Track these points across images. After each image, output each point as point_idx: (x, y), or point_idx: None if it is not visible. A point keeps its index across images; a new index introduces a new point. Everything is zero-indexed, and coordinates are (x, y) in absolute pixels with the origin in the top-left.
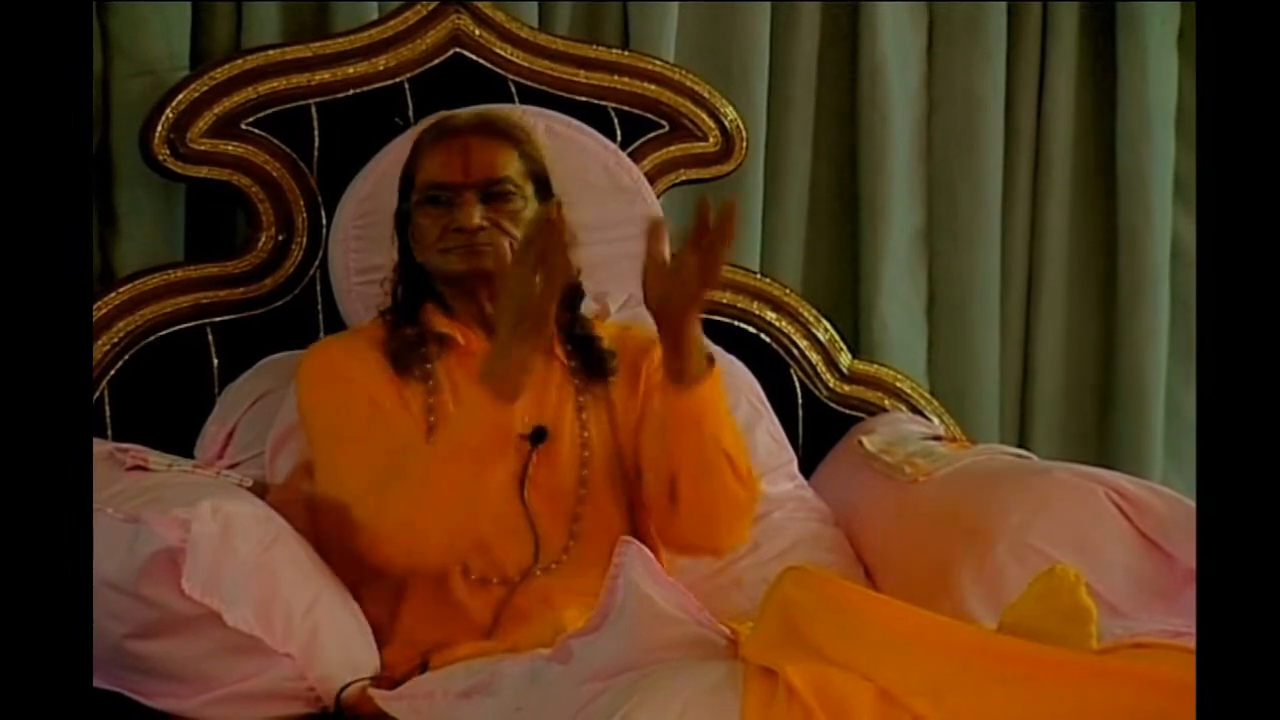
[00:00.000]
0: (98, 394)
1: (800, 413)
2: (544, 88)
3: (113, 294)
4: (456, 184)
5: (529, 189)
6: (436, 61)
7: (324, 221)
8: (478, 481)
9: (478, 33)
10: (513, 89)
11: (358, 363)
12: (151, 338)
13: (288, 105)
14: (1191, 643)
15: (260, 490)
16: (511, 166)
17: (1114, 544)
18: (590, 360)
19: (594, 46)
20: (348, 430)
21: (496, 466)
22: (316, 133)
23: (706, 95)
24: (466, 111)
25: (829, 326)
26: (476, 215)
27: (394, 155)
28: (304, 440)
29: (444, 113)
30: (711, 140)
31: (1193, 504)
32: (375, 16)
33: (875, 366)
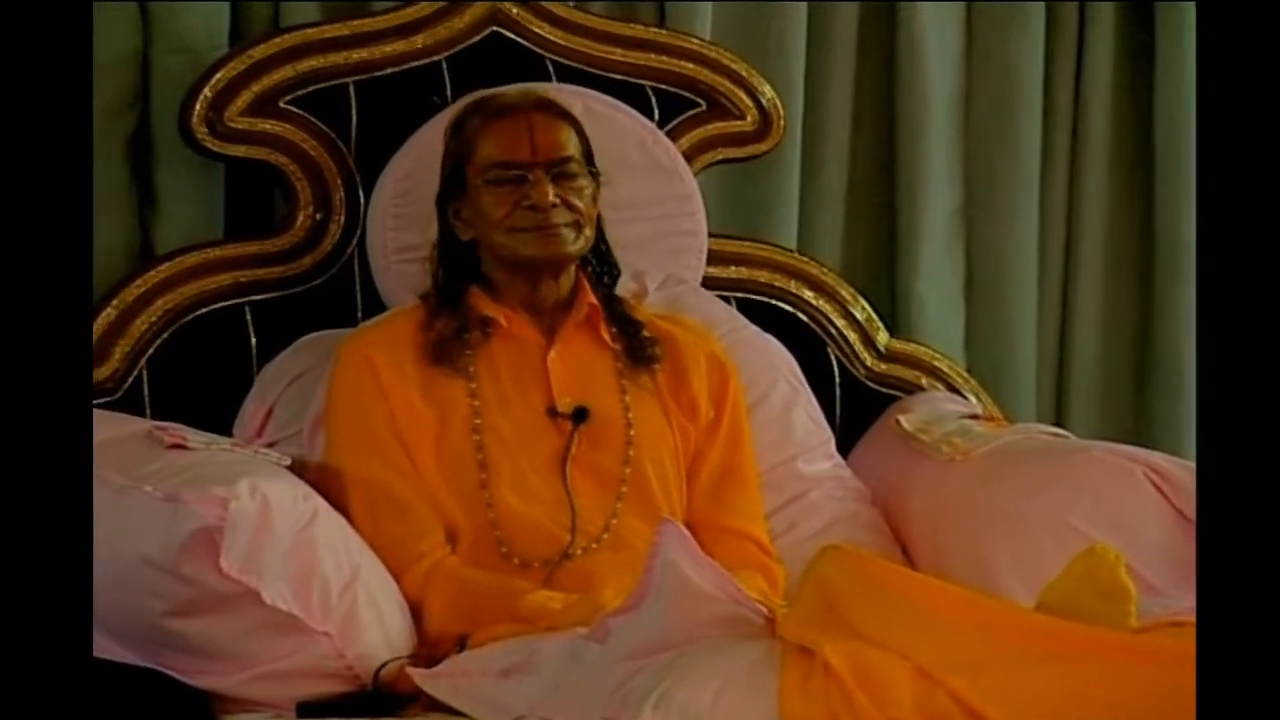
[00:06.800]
0: (136, 372)
1: (838, 392)
2: (581, 66)
3: (151, 272)
4: (526, 162)
5: (584, 166)
6: (474, 40)
7: (362, 200)
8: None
9: (515, 11)
10: (550, 68)
11: (392, 370)
12: (190, 316)
13: (326, 84)
14: None
15: (299, 468)
16: (572, 144)
17: (1152, 523)
18: (633, 346)
19: (631, 25)
20: (368, 473)
21: None
22: (354, 111)
23: (744, 74)
24: (512, 90)
25: (866, 305)
26: (551, 193)
27: (432, 134)
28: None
29: (482, 93)
30: (749, 119)
31: None
32: None
33: (913, 345)
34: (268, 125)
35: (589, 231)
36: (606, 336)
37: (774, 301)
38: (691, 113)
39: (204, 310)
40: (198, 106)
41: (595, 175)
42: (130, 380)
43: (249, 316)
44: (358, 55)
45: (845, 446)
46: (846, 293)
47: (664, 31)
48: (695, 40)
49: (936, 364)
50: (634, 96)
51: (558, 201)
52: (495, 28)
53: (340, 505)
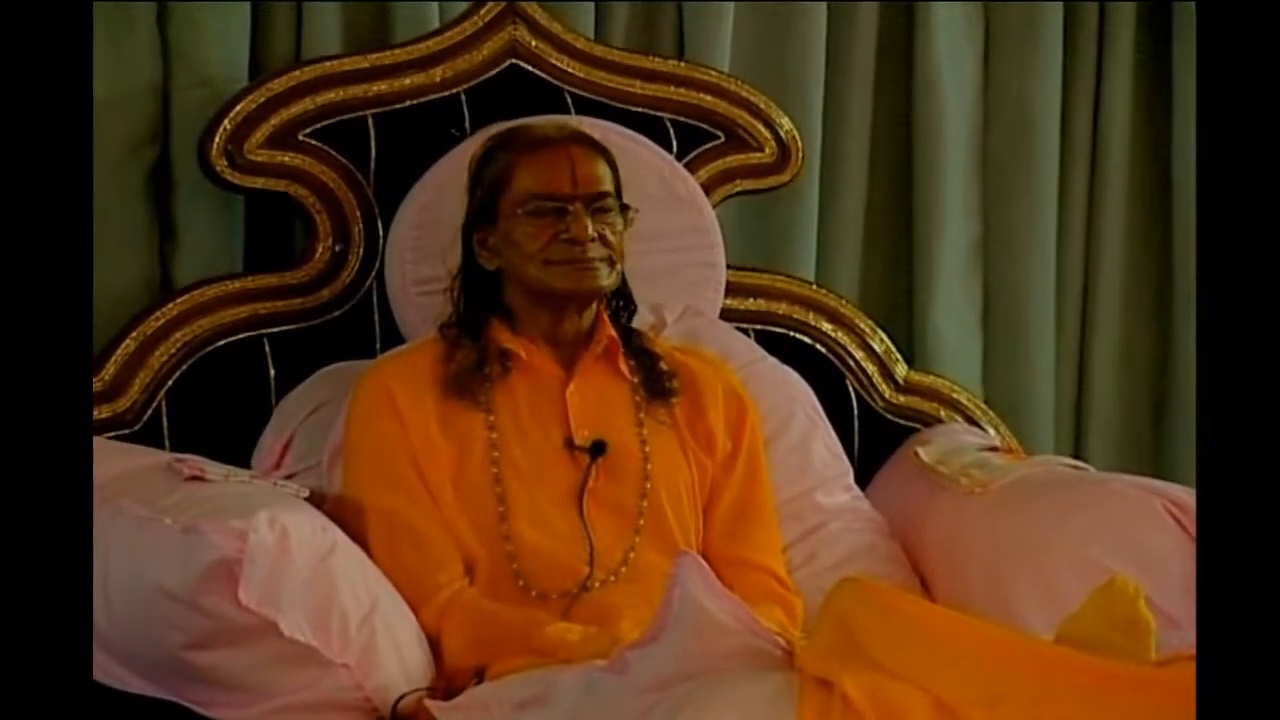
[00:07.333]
0: (155, 404)
1: (856, 424)
2: (600, 98)
3: (170, 305)
4: (566, 194)
5: (617, 203)
6: (493, 73)
7: (380, 232)
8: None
9: (534, 44)
10: (569, 100)
11: (411, 402)
12: (209, 348)
13: (345, 116)
14: None
15: (317, 500)
16: (609, 180)
17: (1172, 556)
18: (651, 379)
19: (650, 57)
20: (386, 505)
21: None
22: (373, 144)
23: (762, 106)
24: (546, 123)
25: (885, 337)
26: (590, 227)
27: (451, 166)
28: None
29: (510, 124)
30: (767, 151)
31: None
32: (436, 24)
33: (931, 378)
34: (287, 158)
35: (620, 267)
36: (625, 369)
37: (792, 333)
38: (710, 145)
39: (223, 342)
40: (217, 139)
41: (625, 211)
42: (149, 412)
43: (268, 348)
44: (377, 88)
45: (864, 478)
46: (865, 325)
47: (682, 64)
48: (714, 73)
49: (955, 396)
50: (652, 129)
51: (595, 236)
52: (514, 60)
53: (358, 537)
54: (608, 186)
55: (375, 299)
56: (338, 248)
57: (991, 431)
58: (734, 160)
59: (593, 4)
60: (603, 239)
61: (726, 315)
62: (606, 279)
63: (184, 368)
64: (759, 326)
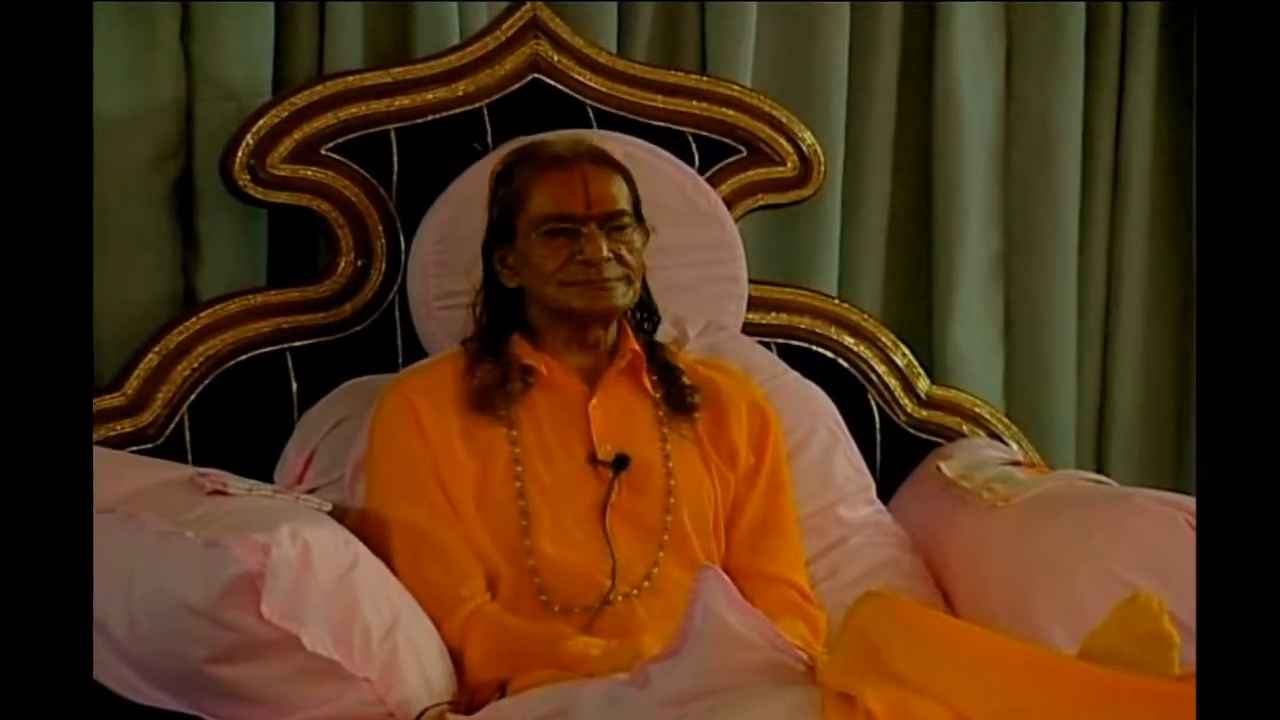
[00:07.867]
0: (178, 419)
1: (878, 438)
2: (622, 113)
3: (193, 319)
4: (580, 215)
5: (635, 219)
6: (515, 87)
7: (403, 246)
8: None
9: (556, 58)
10: (591, 114)
11: (435, 416)
12: (232, 362)
13: (367, 131)
14: None
15: (339, 515)
16: (624, 197)
17: (1194, 570)
18: (674, 393)
19: (672, 72)
20: (409, 518)
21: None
22: (396, 158)
23: (784, 120)
24: (562, 139)
25: (907, 351)
26: (604, 248)
27: (473, 180)
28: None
29: (528, 140)
30: (789, 165)
31: None
32: (457, 35)
33: (953, 392)
34: (309, 172)
35: (638, 284)
36: (648, 384)
37: (815, 347)
38: (732, 159)
39: (245, 356)
40: (240, 153)
41: (644, 227)
42: (172, 427)
43: (290, 363)
44: (399, 102)
45: (886, 493)
46: (887, 339)
47: (704, 78)
48: (736, 87)
49: (977, 410)
50: (674, 143)
51: (610, 256)
52: (536, 75)
53: (381, 550)
54: (623, 205)
55: (397, 313)
56: (360, 262)
57: (1013, 446)
58: (756, 174)
59: (615, 4)
60: (619, 258)
61: (748, 330)
62: (623, 298)
63: (207, 382)
64: (781, 341)
